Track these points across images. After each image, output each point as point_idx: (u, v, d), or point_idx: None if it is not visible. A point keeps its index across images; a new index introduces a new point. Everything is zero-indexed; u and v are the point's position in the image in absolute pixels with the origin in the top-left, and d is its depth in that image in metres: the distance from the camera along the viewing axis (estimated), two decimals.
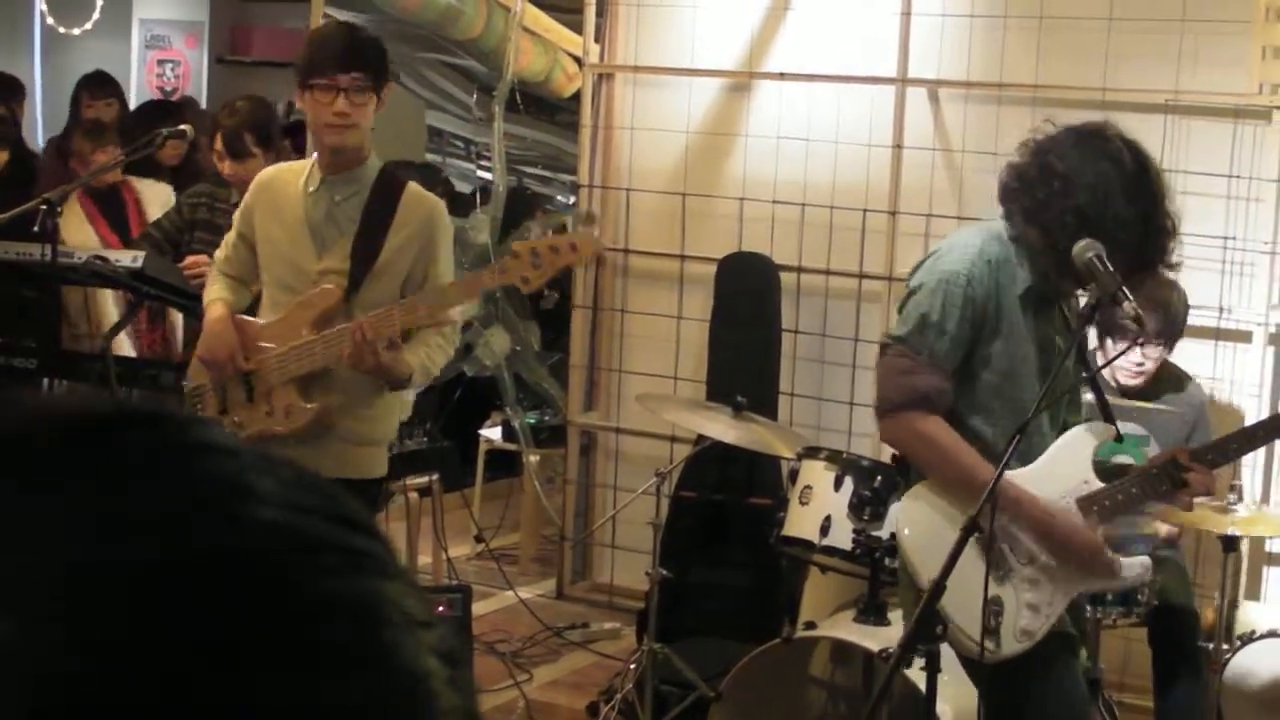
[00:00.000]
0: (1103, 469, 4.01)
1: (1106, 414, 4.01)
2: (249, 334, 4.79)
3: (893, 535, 4.27)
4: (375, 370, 4.56)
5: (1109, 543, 3.88)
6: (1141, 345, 5.75)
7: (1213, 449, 4.00)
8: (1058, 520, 3.79)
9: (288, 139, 9.34)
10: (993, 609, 3.65)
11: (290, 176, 4.87)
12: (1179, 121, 6.66)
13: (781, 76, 7.53)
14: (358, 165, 4.75)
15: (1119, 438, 4.05)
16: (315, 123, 4.72)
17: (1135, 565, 3.94)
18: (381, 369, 4.56)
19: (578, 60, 8.64)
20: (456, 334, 4.89)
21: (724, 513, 6.87)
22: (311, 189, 4.78)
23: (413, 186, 4.82)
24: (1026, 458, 3.85)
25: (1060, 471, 3.87)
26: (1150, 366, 5.81)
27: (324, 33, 4.65)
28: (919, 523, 3.87)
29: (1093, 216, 3.69)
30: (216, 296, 4.92)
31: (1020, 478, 3.77)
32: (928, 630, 3.21)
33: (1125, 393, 5.80)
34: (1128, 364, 5.83)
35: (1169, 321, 5.71)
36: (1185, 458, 3.92)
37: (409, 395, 5.00)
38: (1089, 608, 5.34)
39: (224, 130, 6.27)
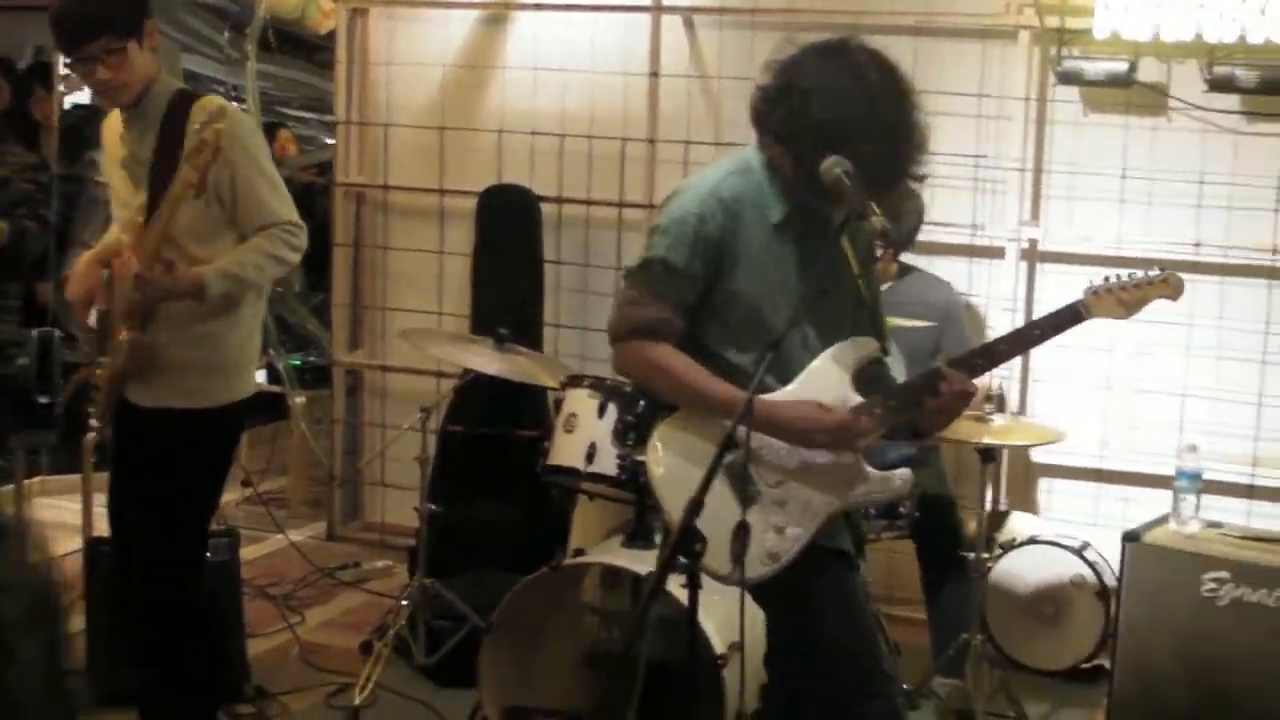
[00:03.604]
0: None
1: (870, 329, 4.02)
2: (115, 274, 4.75)
3: None
4: (160, 295, 4.52)
5: (866, 455, 3.90)
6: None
7: (978, 354, 4.03)
8: (783, 409, 3.78)
9: (37, 80, 9.12)
10: (740, 533, 3.66)
11: (116, 117, 4.83)
12: (929, 43, 6.76)
13: (537, 7, 7.50)
14: (146, 98, 4.67)
15: (885, 351, 4.06)
16: (89, 87, 4.69)
17: (894, 478, 3.96)
18: (164, 291, 4.51)
19: None
20: (289, 234, 4.76)
21: (493, 445, 6.85)
22: (123, 129, 4.75)
23: (202, 100, 4.71)
24: (787, 379, 3.86)
25: (819, 388, 3.87)
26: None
27: (59, 9, 4.51)
28: (669, 461, 3.87)
29: (838, 129, 3.67)
30: (101, 240, 4.95)
31: (779, 395, 3.78)
32: (686, 548, 3.21)
33: None
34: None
35: (903, 224, 5.82)
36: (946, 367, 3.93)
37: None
38: None
39: None
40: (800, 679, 3.98)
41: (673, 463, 3.85)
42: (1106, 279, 4.06)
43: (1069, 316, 4.04)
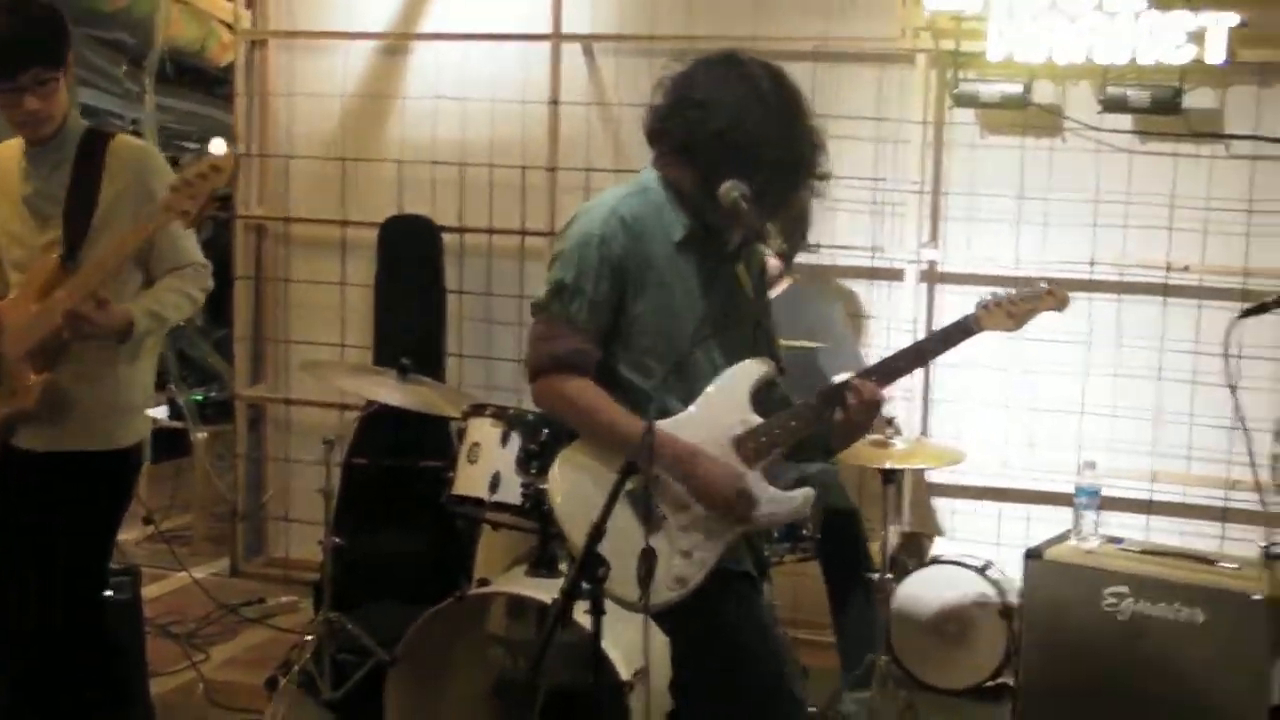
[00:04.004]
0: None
1: (766, 349, 4.03)
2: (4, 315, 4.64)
3: None
4: (93, 332, 4.44)
5: (768, 475, 3.90)
6: None
7: (873, 370, 4.05)
8: (700, 461, 3.78)
9: None
10: (646, 559, 3.66)
11: (8, 153, 4.72)
12: (827, 67, 6.80)
13: (436, 37, 7.49)
14: (62, 132, 4.60)
15: (781, 370, 4.07)
16: (9, 119, 4.58)
17: (796, 498, 3.96)
18: (97, 328, 4.43)
19: (231, 28, 8.46)
20: (200, 274, 4.72)
21: (397, 477, 6.82)
22: (24, 165, 4.66)
23: (120, 138, 4.67)
24: (692, 401, 3.86)
25: (718, 411, 3.87)
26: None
27: None
28: (570, 489, 3.86)
29: (737, 137, 3.68)
30: None
31: (678, 420, 3.77)
32: (590, 574, 3.20)
33: None
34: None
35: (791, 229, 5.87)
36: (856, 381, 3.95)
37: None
38: None
39: None
40: (710, 703, 3.97)
41: (575, 490, 3.84)
42: (995, 294, 4.12)
43: (960, 331, 4.09)
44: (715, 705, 3.94)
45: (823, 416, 3.91)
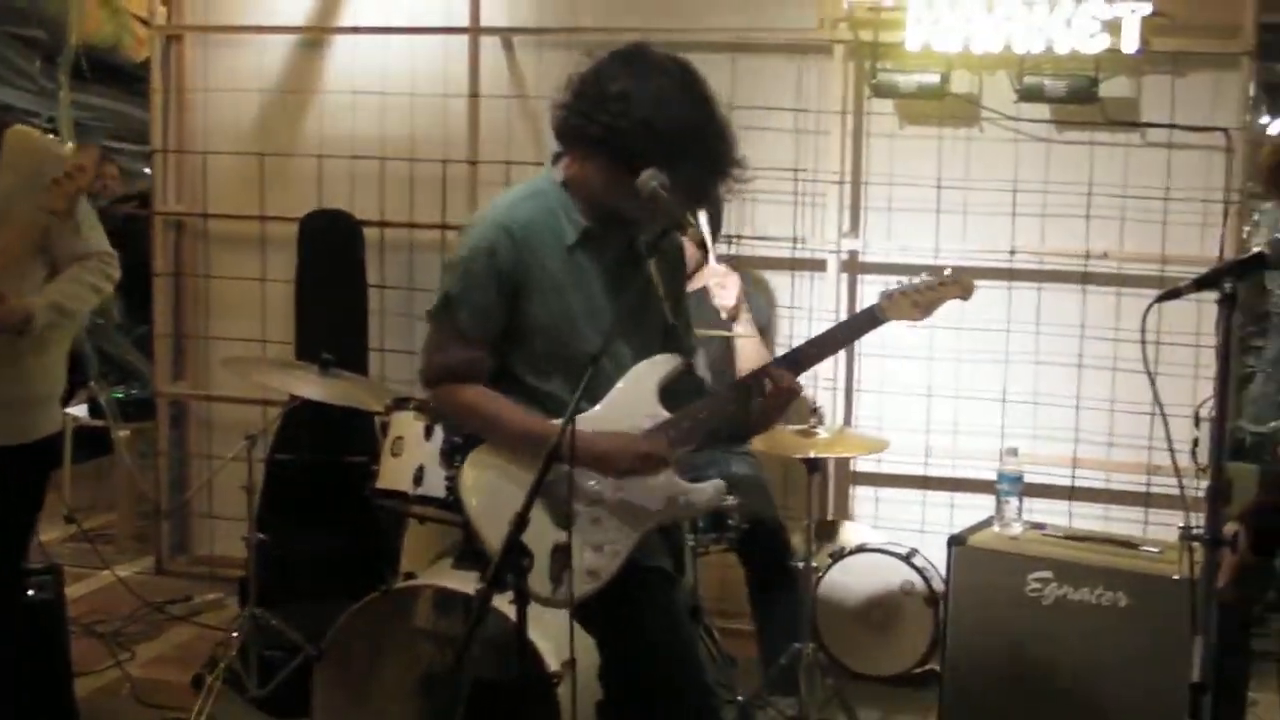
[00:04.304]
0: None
1: (679, 343, 4.06)
2: None
3: None
4: None
5: (679, 469, 3.94)
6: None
7: (785, 360, 4.08)
8: (596, 437, 3.75)
9: None
10: (558, 554, 3.69)
11: None
12: (746, 59, 6.83)
13: (354, 31, 7.45)
14: None
15: (691, 365, 4.10)
16: None
17: (708, 489, 4.00)
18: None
19: (145, 23, 8.39)
20: (105, 264, 4.69)
21: (321, 472, 6.79)
22: None
23: (17, 129, 4.63)
24: (597, 401, 3.88)
25: (627, 406, 3.90)
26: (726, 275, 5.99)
27: None
28: (483, 489, 3.88)
29: (661, 127, 3.69)
30: None
31: (588, 418, 3.78)
32: (514, 565, 3.21)
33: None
34: (717, 277, 5.99)
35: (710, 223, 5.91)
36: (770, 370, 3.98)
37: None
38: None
39: None
40: (626, 694, 4.00)
41: (489, 493, 3.87)
42: (900, 283, 4.16)
43: (867, 320, 4.17)
44: (634, 696, 3.98)
45: (730, 407, 3.96)
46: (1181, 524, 3.29)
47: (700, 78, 3.84)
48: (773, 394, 3.92)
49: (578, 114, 3.82)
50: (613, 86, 3.75)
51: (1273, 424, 7.25)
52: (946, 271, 4.23)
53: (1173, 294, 3.38)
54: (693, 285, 5.96)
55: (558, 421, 3.53)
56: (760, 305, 6.28)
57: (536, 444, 3.62)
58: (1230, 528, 3.54)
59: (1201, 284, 3.33)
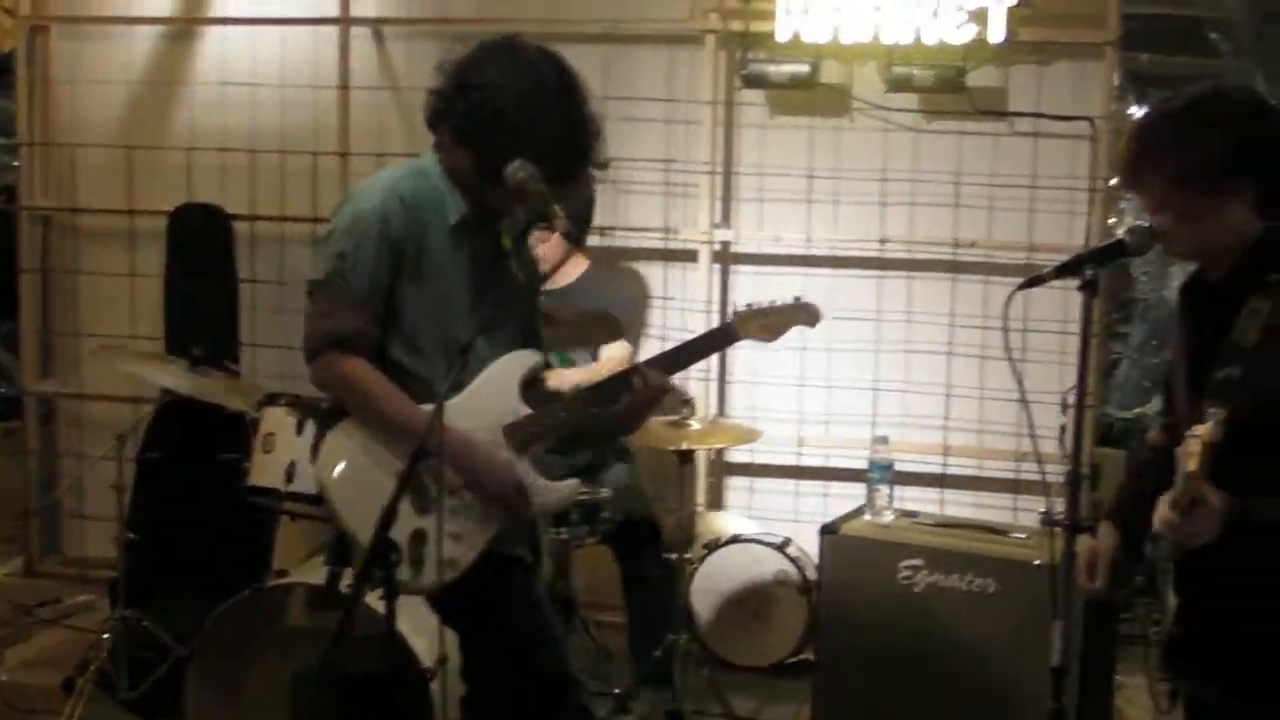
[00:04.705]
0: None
1: (532, 338, 4.10)
2: None
3: None
4: None
5: (536, 464, 3.96)
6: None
7: (659, 360, 4.12)
8: (478, 452, 3.80)
9: None
10: (416, 540, 3.70)
11: None
12: (617, 50, 6.84)
13: (223, 22, 7.38)
14: None
15: (548, 364, 4.14)
16: None
17: (563, 487, 4.02)
18: None
19: (10, 13, 8.25)
20: None
21: (193, 469, 6.71)
22: None
23: None
24: (461, 389, 3.88)
25: (488, 400, 3.91)
26: (543, 250, 5.97)
27: None
28: (343, 468, 3.87)
29: (517, 121, 3.71)
30: None
31: (452, 407, 3.78)
32: (381, 558, 3.20)
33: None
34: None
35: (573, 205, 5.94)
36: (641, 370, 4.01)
37: None
38: (555, 530, 5.47)
39: None
40: (489, 687, 4.01)
41: (347, 469, 3.88)
42: (750, 305, 4.25)
43: (722, 337, 4.27)
44: (496, 689, 4.00)
45: (591, 408, 3.98)
46: (1045, 510, 3.32)
47: (569, 72, 3.85)
48: (641, 391, 3.94)
49: (443, 102, 3.84)
50: (475, 77, 3.78)
51: (1138, 409, 7.36)
52: (797, 297, 4.34)
53: (1035, 281, 3.42)
54: (565, 279, 6.00)
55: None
56: (628, 298, 6.27)
57: (410, 436, 3.61)
58: (1100, 535, 3.59)
59: (1063, 271, 3.37)
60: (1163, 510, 3.12)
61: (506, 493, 3.83)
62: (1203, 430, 3.00)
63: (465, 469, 3.78)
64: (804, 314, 4.32)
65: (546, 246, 5.92)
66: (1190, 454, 2.99)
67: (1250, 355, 3.15)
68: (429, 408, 3.45)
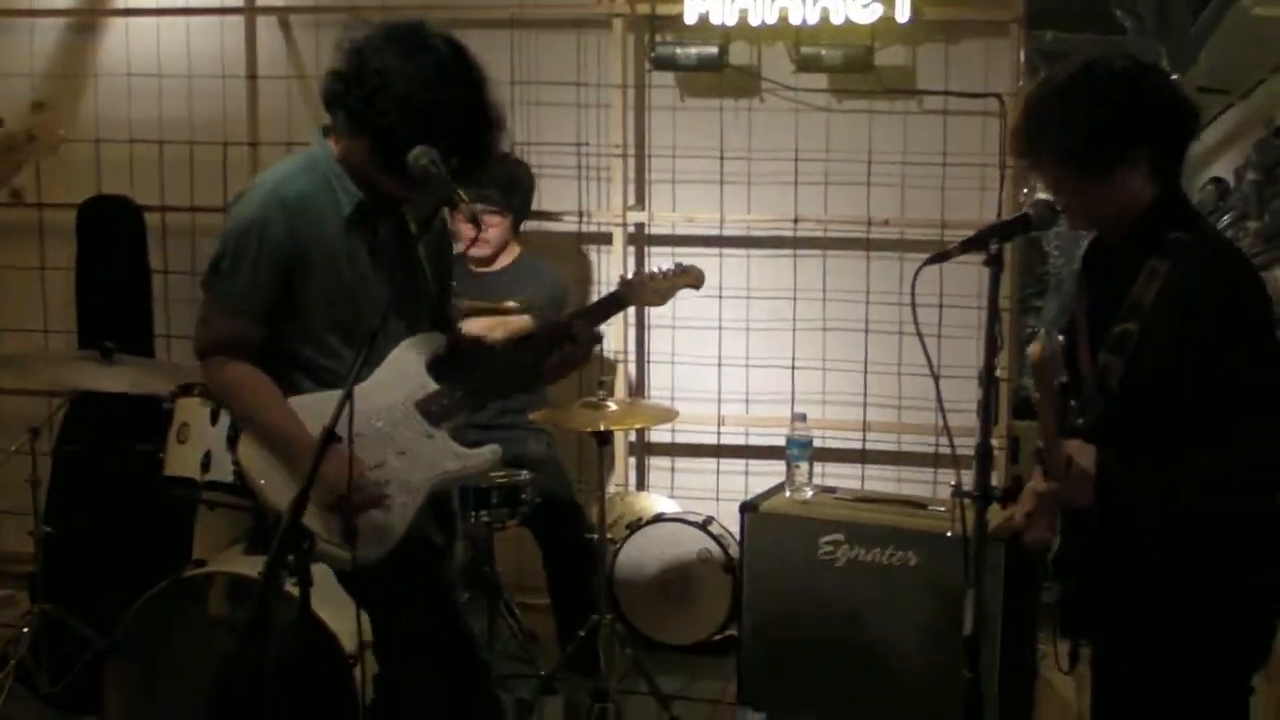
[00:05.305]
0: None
1: (447, 320, 4.13)
2: None
3: None
4: None
5: (453, 434, 3.99)
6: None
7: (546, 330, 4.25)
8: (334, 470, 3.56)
9: None
10: (342, 515, 3.70)
11: None
12: (526, 34, 6.83)
13: (127, 13, 7.32)
14: None
15: (456, 343, 4.17)
16: None
17: (485, 453, 4.05)
18: None
19: None
20: None
21: (108, 461, 6.65)
22: None
23: None
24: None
25: (394, 381, 3.94)
26: (493, 234, 6.02)
27: None
28: (263, 457, 3.88)
29: (416, 108, 3.65)
30: None
31: (359, 391, 3.77)
32: (294, 545, 3.18)
33: (476, 263, 6.02)
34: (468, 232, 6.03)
35: (518, 191, 6.02)
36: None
37: None
38: (475, 512, 5.47)
39: None
40: (399, 669, 4.04)
41: (265, 456, 3.87)
42: (638, 271, 4.43)
43: (612, 303, 4.40)
44: (406, 671, 4.01)
45: (526, 356, 4.05)
46: (955, 483, 3.35)
47: (471, 59, 3.79)
48: (583, 335, 4.05)
49: (342, 82, 3.77)
50: (374, 62, 3.70)
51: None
52: (680, 263, 4.62)
53: (941, 257, 3.45)
54: (500, 264, 6.05)
55: (315, 430, 3.39)
56: (558, 282, 6.29)
57: (286, 449, 3.72)
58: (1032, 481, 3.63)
59: (969, 246, 3.41)
60: (1041, 482, 3.19)
61: (340, 490, 3.67)
62: (1032, 349, 3.05)
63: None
64: (689, 277, 4.55)
65: (494, 230, 5.97)
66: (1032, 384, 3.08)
67: (1148, 313, 3.21)
68: (337, 394, 3.40)
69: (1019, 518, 3.42)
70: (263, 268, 3.77)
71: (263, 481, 3.87)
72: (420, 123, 3.65)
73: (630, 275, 4.45)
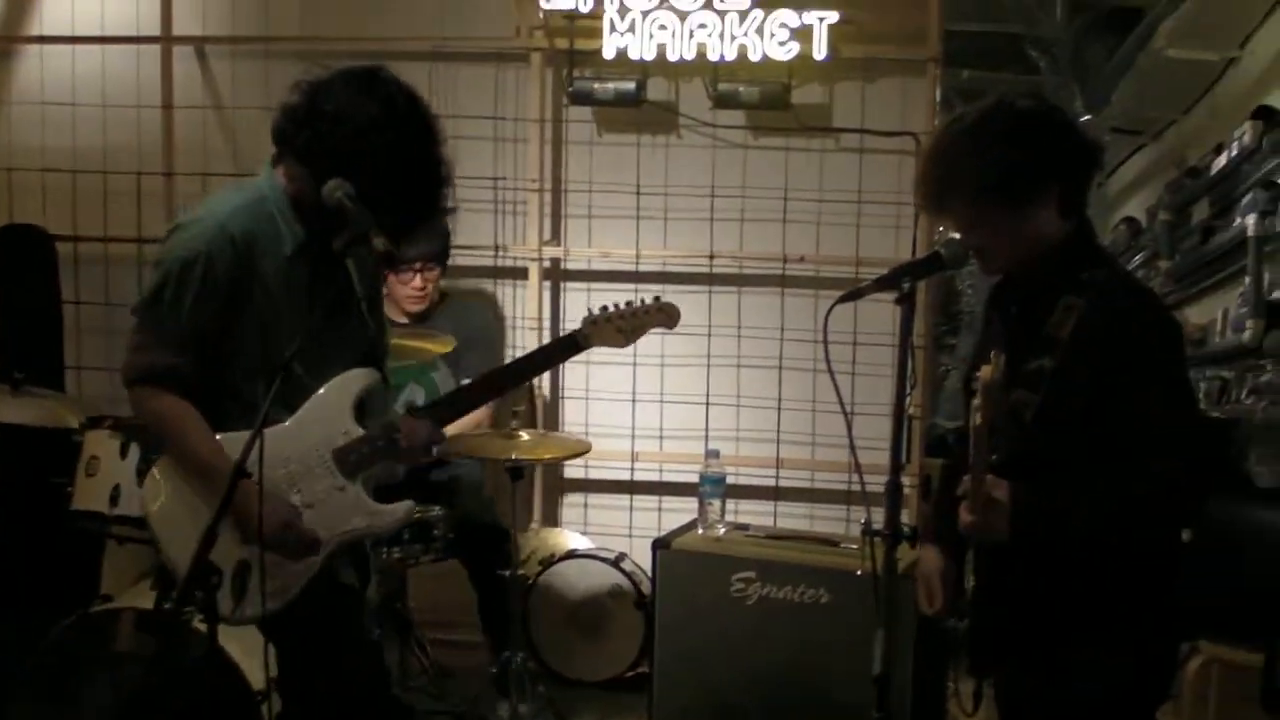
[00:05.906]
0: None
1: (373, 357, 4.06)
2: None
3: None
4: None
5: (366, 485, 3.95)
6: (422, 271, 6.00)
7: (449, 398, 4.19)
8: (252, 501, 3.58)
9: None
10: (240, 571, 3.66)
11: None
12: (445, 68, 6.81)
13: (41, 40, 7.25)
14: None
15: (386, 381, 4.10)
16: None
17: (399, 509, 3.99)
18: None
19: None
20: None
21: (16, 494, 6.57)
22: None
23: None
24: (296, 410, 3.86)
25: (317, 423, 3.88)
26: (431, 290, 6.06)
27: None
28: (166, 495, 3.84)
29: (360, 155, 3.64)
30: None
31: (281, 431, 3.74)
32: (202, 582, 3.16)
33: (411, 317, 6.03)
34: (411, 291, 6.05)
35: (444, 246, 6.03)
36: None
37: None
38: (387, 549, 5.44)
39: None
40: (306, 707, 4.00)
41: (171, 497, 3.83)
42: (604, 308, 4.22)
43: (568, 346, 4.22)
44: (308, 711, 3.98)
45: (390, 444, 3.99)
46: (865, 521, 3.36)
47: (424, 111, 3.78)
48: (405, 450, 3.96)
49: (293, 120, 3.74)
50: (327, 105, 3.68)
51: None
52: (653, 299, 4.36)
53: (854, 295, 3.47)
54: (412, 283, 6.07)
55: (268, 430, 3.44)
56: (485, 324, 6.29)
57: (211, 480, 3.64)
58: (925, 560, 3.67)
59: (881, 284, 3.42)
60: (963, 514, 3.21)
61: (287, 539, 3.76)
62: (984, 371, 3.07)
63: (244, 516, 3.67)
64: (662, 315, 4.35)
65: (431, 285, 6.00)
66: (975, 407, 3.07)
67: (1063, 350, 3.23)
68: (271, 429, 3.38)
69: (928, 607, 3.50)
70: (204, 302, 3.74)
71: (162, 516, 3.83)
72: (361, 170, 3.64)
73: (595, 314, 4.27)
